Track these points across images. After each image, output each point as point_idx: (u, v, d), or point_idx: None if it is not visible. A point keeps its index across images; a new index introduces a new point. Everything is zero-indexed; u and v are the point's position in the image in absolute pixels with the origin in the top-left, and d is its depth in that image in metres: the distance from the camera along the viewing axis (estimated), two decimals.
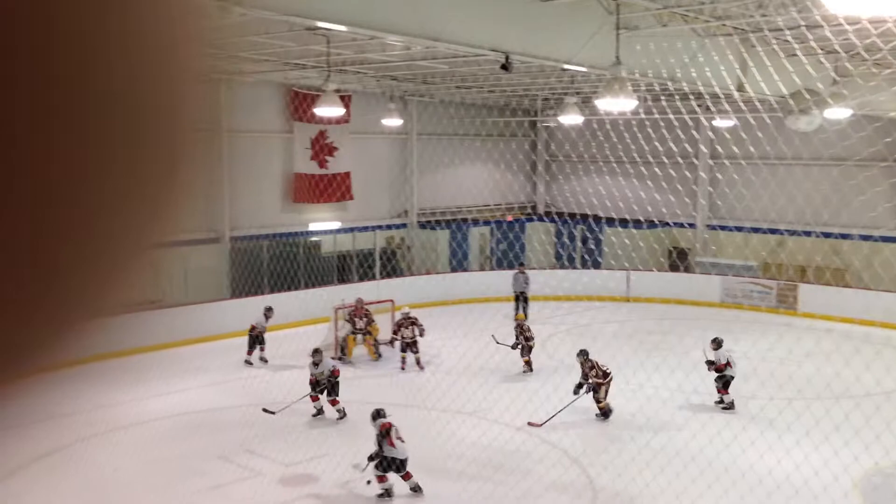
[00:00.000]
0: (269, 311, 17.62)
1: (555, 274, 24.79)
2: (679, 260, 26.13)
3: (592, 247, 27.25)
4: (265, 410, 13.66)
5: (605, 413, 13.79)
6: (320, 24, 10.49)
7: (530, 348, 16.75)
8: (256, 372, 16.68)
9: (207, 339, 18.95)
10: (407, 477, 10.81)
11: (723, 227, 27.26)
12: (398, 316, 17.80)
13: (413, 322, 16.93)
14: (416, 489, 10.88)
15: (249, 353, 17.43)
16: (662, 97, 20.22)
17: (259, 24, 12.66)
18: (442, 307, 21.55)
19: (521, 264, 23.39)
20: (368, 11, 10.10)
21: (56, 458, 12.09)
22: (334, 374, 13.91)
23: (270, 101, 23.83)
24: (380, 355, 17.89)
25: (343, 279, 24.88)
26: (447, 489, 11.12)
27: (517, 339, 16.76)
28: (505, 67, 11.65)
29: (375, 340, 17.93)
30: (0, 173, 0.40)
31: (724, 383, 14.18)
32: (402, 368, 16.88)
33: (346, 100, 23.49)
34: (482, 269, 28.49)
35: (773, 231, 24.83)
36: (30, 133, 0.41)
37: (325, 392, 13.97)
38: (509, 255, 27.92)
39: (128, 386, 15.43)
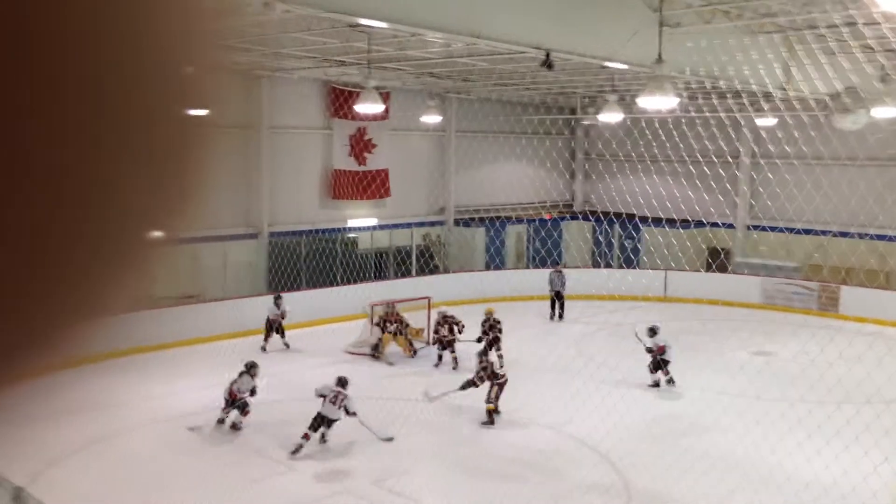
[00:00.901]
0: (278, 300, 18.27)
1: (591, 273, 24.65)
2: (715, 259, 25.82)
3: (630, 246, 27.07)
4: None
5: (490, 416, 13.45)
6: (362, 20, 10.53)
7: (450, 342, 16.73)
8: (285, 368, 16.77)
9: (246, 334, 19.13)
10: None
11: (762, 228, 26.89)
12: (434, 314, 17.83)
13: (448, 321, 16.92)
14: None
15: (266, 340, 18.07)
16: (701, 95, 19.99)
17: (301, 20, 12.75)
18: (478, 305, 21.52)
19: (557, 263, 23.29)
20: (410, 8, 10.12)
21: (103, 446, 12.33)
22: (251, 393, 13.37)
23: (311, 97, 23.99)
24: (415, 352, 17.94)
25: (380, 276, 24.98)
26: (483, 488, 11.12)
27: (484, 333, 16.71)
28: (546, 64, 11.61)
29: (408, 339, 17.98)
30: (2, 169, 0.40)
31: (655, 365, 15.28)
32: (436, 366, 16.90)
33: (385, 97, 23.59)
34: (518, 267, 28.40)
35: (811, 231, 24.46)
36: (33, 130, 0.41)
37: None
38: (545, 254, 27.80)
39: (168, 378, 15.65)
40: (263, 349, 17.82)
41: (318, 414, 12.26)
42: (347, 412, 12.30)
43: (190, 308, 18.43)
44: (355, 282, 22.85)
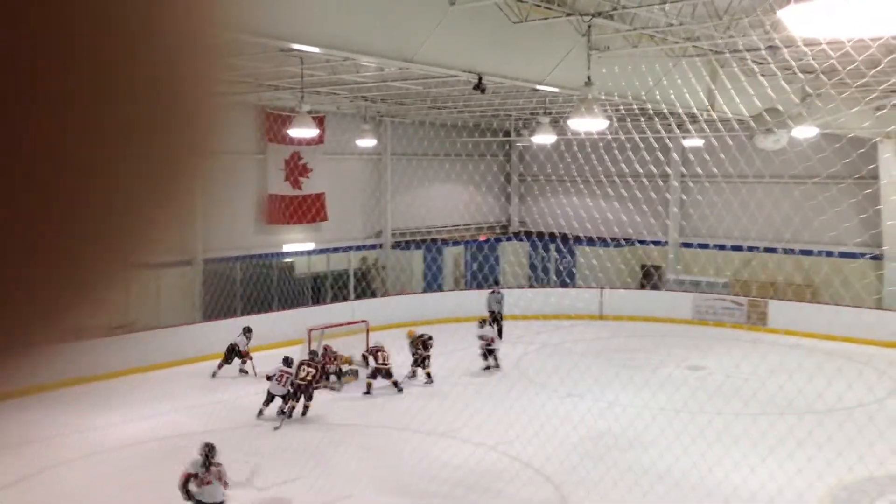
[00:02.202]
0: (248, 332, 17.85)
1: (528, 293, 24.93)
2: (648, 277, 26.40)
3: (565, 265, 27.47)
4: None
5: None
6: (294, 45, 10.57)
7: (386, 371, 16.68)
8: (229, 395, 16.54)
9: (181, 363, 18.81)
10: None
11: (692, 245, 27.62)
12: (372, 338, 17.78)
13: (379, 350, 16.84)
14: None
15: (220, 366, 17.63)
16: (631, 117, 20.51)
17: (233, 45, 12.69)
18: (415, 327, 21.55)
19: (495, 283, 23.48)
20: (342, 33, 10.20)
21: (32, 483, 11.92)
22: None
23: (244, 122, 23.82)
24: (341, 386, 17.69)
25: (317, 300, 24.82)
26: None
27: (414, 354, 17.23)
28: (479, 88, 11.79)
29: (345, 372, 17.72)
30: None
31: (488, 351, 18.06)
32: (367, 392, 16.61)
33: (320, 121, 23.60)
34: (456, 289, 28.54)
35: (739, 248, 25.22)
36: (31, 142, 0.40)
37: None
38: (483, 275, 28.02)
39: (103, 410, 15.27)
40: (214, 374, 17.63)
41: (268, 391, 14.56)
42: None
43: (122, 338, 18.02)
44: (292, 307, 22.66)
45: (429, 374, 17.23)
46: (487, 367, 17.97)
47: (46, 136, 0.41)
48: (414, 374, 17.34)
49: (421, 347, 17.31)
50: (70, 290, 0.44)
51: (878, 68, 12.09)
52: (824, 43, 9.47)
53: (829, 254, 23.93)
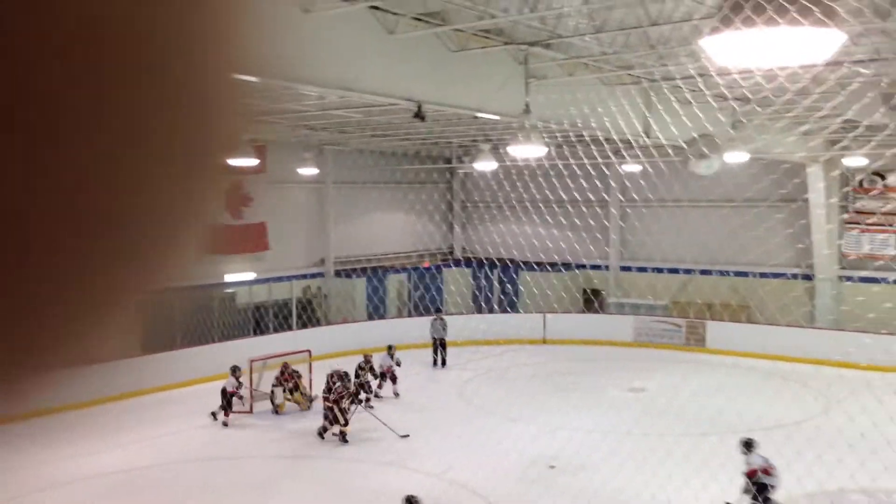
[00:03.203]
0: (236, 371, 16.85)
1: (472, 319, 25.01)
2: (590, 301, 26.75)
3: (509, 290, 27.65)
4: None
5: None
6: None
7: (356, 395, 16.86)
8: (176, 427, 16.19)
9: (120, 398, 18.34)
10: None
11: (631, 269, 28.09)
12: (325, 366, 17.73)
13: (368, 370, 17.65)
14: None
15: (226, 413, 16.58)
16: (569, 144, 20.88)
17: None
18: (359, 356, 21.45)
19: (439, 310, 23.51)
20: (281, 62, 10.21)
21: None
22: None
23: None
24: (311, 405, 17.59)
25: (259, 331, 24.51)
26: None
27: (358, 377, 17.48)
28: (418, 116, 11.89)
29: (303, 393, 17.70)
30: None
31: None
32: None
33: (261, 150, 23.45)
34: (399, 315, 28.49)
35: (676, 271, 25.76)
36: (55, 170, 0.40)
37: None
38: (426, 303, 28.03)
39: (34, 451, 14.76)
40: (225, 424, 16.56)
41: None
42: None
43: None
44: (234, 338, 22.34)
45: (370, 398, 17.45)
46: (376, 395, 17.73)
47: (74, 168, 0.41)
48: (377, 395, 17.86)
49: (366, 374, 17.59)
50: (85, 316, 0.44)
51: (812, 98, 12.55)
52: (758, 74, 9.82)
53: (763, 275, 24.60)
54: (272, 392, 17.57)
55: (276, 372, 17.76)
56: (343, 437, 15.10)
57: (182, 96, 0.45)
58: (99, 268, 0.44)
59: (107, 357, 0.48)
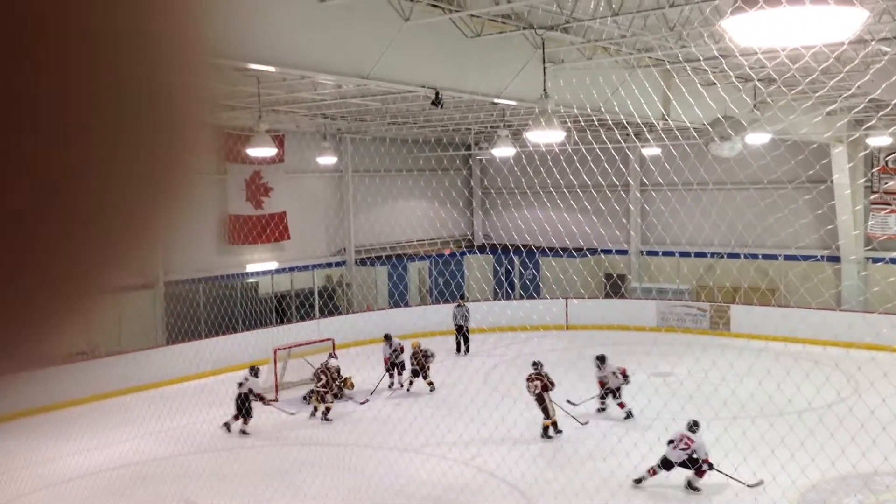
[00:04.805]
0: (255, 372, 15.95)
1: (494, 306, 24.93)
2: (615, 286, 26.55)
3: (531, 276, 27.54)
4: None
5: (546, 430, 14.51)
6: (249, 65, 10.49)
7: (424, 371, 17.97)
8: (192, 420, 16.29)
9: (143, 388, 18.51)
10: None
11: (657, 253, 27.84)
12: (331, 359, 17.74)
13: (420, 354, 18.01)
14: None
15: (236, 418, 15.62)
16: (589, 128, 20.68)
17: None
18: (382, 343, 21.47)
19: (461, 298, 23.45)
20: (296, 51, 10.15)
21: None
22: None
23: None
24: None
25: (282, 320, 24.59)
26: None
27: (413, 365, 17.94)
28: (436, 103, 11.79)
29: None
30: None
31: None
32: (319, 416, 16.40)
33: (279, 139, 23.45)
34: (421, 303, 28.48)
35: (702, 254, 25.50)
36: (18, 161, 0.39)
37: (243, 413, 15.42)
38: (449, 290, 27.98)
39: (62, 440, 14.94)
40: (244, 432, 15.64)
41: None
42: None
43: (82, 365, 17.69)
44: (257, 327, 22.44)
45: (431, 384, 18.06)
46: (390, 386, 18.17)
47: (29, 153, 0.39)
48: (411, 383, 18.06)
49: (422, 358, 17.99)
50: (39, 317, 0.42)
51: (837, 77, 12.30)
52: (782, 53, 9.62)
53: (791, 257, 24.27)
54: (319, 395, 16.57)
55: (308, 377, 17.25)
56: (326, 414, 16.04)
57: (144, 89, 0.44)
58: (59, 264, 0.42)
59: (55, 360, 0.45)
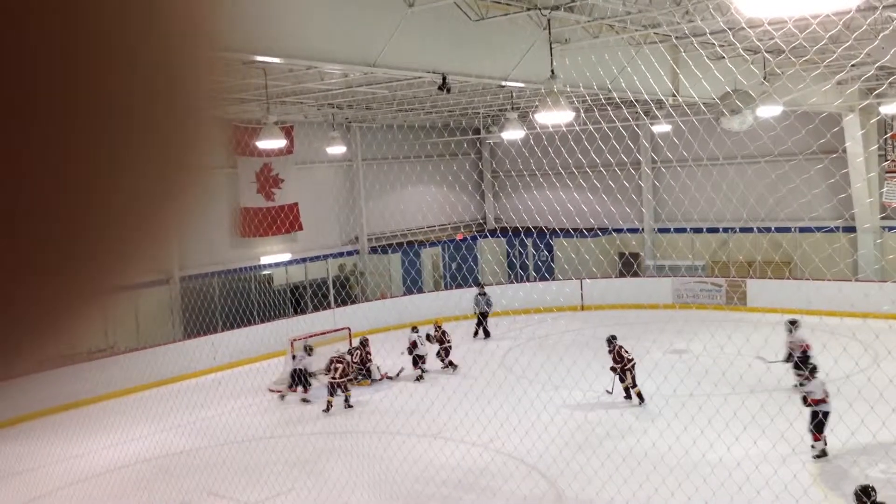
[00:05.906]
0: (309, 350, 17.37)
1: (508, 289, 24.94)
2: (627, 265, 26.48)
3: (544, 258, 27.50)
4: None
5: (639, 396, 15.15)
6: (256, 57, 10.49)
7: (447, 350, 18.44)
8: (214, 412, 16.43)
9: (163, 383, 18.65)
10: None
11: (670, 230, 27.75)
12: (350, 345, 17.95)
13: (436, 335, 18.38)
14: None
15: (293, 388, 17.27)
16: (598, 107, 20.59)
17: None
18: (398, 331, 21.53)
19: (481, 285, 23.34)
20: (303, 42, 10.14)
21: None
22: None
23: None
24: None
25: (297, 311, 24.70)
26: None
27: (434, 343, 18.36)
28: (443, 88, 11.76)
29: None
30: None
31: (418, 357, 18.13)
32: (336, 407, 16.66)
33: (288, 131, 23.47)
34: (436, 289, 28.50)
35: (715, 230, 25.38)
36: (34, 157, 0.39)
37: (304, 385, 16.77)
38: (462, 274, 28.00)
39: (88, 436, 15.10)
40: (288, 396, 17.28)
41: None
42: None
43: (102, 362, 17.86)
44: (273, 319, 22.55)
45: (451, 363, 18.50)
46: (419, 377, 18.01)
47: (42, 150, 0.39)
48: (450, 364, 18.50)
49: (443, 335, 18.50)
50: (55, 314, 0.42)
51: (846, 45, 12.18)
52: (789, 23, 9.53)
53: (805, 229, 24.12)
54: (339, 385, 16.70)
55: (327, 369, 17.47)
56: (347, 403, 16.27)
57: (157, 85, 0.44)
58: (74, 262, 0.42)
59: (71, 358, 0.44)
